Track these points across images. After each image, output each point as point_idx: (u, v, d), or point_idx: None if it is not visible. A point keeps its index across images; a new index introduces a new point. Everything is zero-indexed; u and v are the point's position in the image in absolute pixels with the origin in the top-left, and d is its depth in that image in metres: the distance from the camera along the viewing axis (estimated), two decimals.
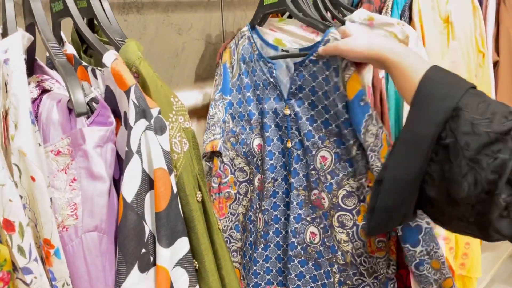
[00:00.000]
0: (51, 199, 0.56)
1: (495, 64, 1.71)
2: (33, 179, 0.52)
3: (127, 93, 0.59)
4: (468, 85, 0.61)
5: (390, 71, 0.69)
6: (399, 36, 0.88)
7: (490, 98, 0.61)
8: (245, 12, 1.39)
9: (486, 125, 0.56)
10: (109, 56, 0.62)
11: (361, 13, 0.91)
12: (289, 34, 0.94)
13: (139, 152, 0.58)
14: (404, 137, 0.63)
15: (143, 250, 0.58)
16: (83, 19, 0.71)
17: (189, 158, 0.64)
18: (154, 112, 0.60)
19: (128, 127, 0.59)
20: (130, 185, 0.57)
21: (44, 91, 0.69)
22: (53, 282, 0.55)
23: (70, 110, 0.61)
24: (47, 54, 0.80)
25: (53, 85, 0.70)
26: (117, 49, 0.66)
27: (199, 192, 0.65)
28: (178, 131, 0.64)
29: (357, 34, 0.74)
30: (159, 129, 0.60)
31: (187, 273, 0.61)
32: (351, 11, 0.95)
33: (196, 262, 0.63)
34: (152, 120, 0.59)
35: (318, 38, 0.87)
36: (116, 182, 0.65)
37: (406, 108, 0.94)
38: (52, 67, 0.76)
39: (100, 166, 0.59)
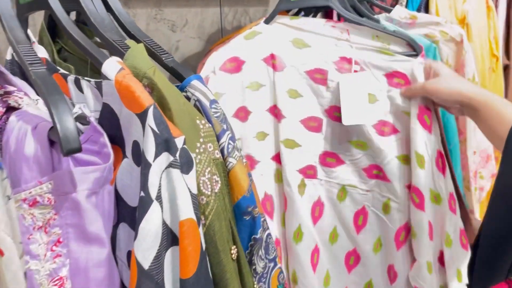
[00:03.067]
0: (25, 273, 0.38)
1: (505, 68, 1.63)
2: (0, 252, 0.35)
3: (142, 116, 0.42)
4: None
5: (477, 116, 0.67)
6: (451, 34, 0.76)
7: None
8: (246, 7, 1.22)
9: None
10: (112, 65, 0.44)
11: (401, 12, 0.77)
12: (313, 34, 0.79)
13: (159, 198, 0.43)
14: (499, 190, 0.59)
15: None
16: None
17: (222, 201, 0.49)
18: (179, 142, 0.43)
19: (144, 164, 0.42)
20: (147, 245, 0.42)
21: (10, 108, 0.51)
22: None
23: (51, 142, 0.44)
24: (8, 57, 0.61)
25: (21, 100, 0.52)
26: (120, 54, 0.48)
27: (234, 247, 0.49)
28: (207, 165, 0.47)
29: (446, 75, 0.71)
30: (186, 165, 0.44)
31: None
32: (387, 10, 0.81)
33: None
34: (177, 154, 0.43)
35: (347, 37, 0.77)
36: (113, 229, 0.48)
37: None
38: (18, 73, 0.57)
39: (97, 222, 0.42)
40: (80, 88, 0.53)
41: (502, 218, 0.57)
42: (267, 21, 0.81)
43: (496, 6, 1.56)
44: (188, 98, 0.51)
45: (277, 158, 0.82)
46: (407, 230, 0.80)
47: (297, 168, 0.81)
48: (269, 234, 0.55)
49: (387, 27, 0.84)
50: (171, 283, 0.45)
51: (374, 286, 0.85)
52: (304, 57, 0.79)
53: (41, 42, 0.67)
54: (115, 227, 0.50)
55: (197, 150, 0.47)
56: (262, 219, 0.54)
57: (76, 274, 0.41)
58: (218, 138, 0.50)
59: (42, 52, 0.60)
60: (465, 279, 0.76)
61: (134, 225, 0.45)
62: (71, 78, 0.54)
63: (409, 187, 0.78)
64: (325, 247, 0.85)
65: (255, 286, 0.51)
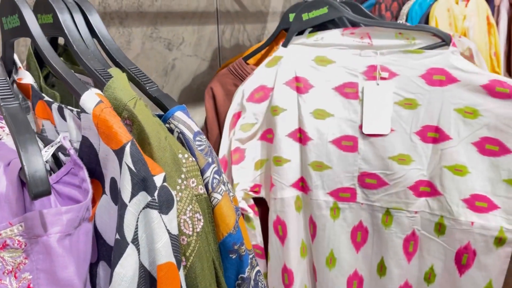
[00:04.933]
0: None
1: None
2: None
3: (119, 153, 0.40)
4: None
5: None
6: (459, 49, 0.72)
7: None
8: (243, 24, 1.20)
9: None
10: (90, 98, 0.42)
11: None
12: (334, 48, 0.77)
13: (135, 241, 0.40)
14: None
15: None
16: (47, 39, 0.51)
17: (204, 241, 0.46)
18: (158, 180, 0.41)
19: (120, 204, 0.40)
20: None
21: None
22: None
23: (22, 182, 0.41)
24: None
25: (2, 129, 0.50)
26: (100, 85, 0.46)
27: None
28: (189, 203, 0.45)
29: None
30: (165, 204, 0.42)
31: None
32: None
33: None
34: (156, 193, 0.41)
35: (368, 41, 0.75)
36: (92, 267, 0.46)
37: None
38: None
39: (69, 268, 0.39)
40: (63, 117, 0.51)
41: None
42: (284, 45, 0.79)
43: (497, 22, 1.54)
44: (171, 130, 0.49)
45: (298, 184, 0.79)
46: (472, 252, 0.69)
47: (327, 191, 0.77)
48: (258, 272, 0.52)
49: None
50: None
51: None
52: (330, 73, 0.76)
53: (28, 67, 0.65)
54: (96, 264, 0.48)
55: (178, 187, 0.45)
56: (250, 256, 0.51)
57: None
58: (202, 172, 0.48)
59: (28, 78, 0.58)
60: None
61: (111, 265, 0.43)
62: (55, 106, 0.52)
63: (467, 201, 0.69)
64: (371, 278, 0.78)
65: None
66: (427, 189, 0.71)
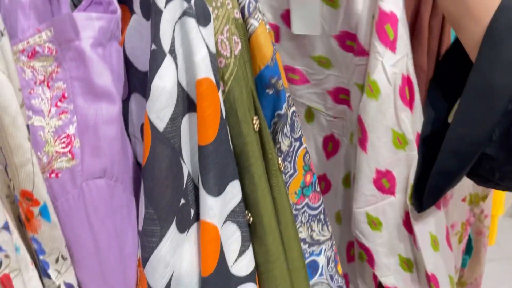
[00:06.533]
0: (27, 127, 0.34)
1: None
2: None
3: None
4: None
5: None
6: None
7: None
8: None
9: None
10: None
11: None
12: None
13: (173, 52, 0.38)
14: (474, 88, 0.48)
15: (182, 201, 0.40)
16: None
17: (243, 66, 0.43)
18: None
19: (154, 12, 0.37)
20: (161, 104, 0.37)
21: None
22: (41, 257, 0.34)
23: None
24: None
25: None
26: None
27: (256, 117, 0.44)
28: (226, 23, 0.42)
29: None
30: (203, 16, 0.39)
31: (240, 230, 0.44)
32: None
33: (249, 215, 0.44)
34: (192, 2, 0.37)
35: None
36: (124, 104, 0.44)
37: None
38: None
39: (105, 76, 0.37)
40: None
41: (476, 124, 0.48)
42: None
43: None
44: None
45: None
46: None
47: None
48: (294, 112, 0.50)
49: None
50: (189, 149, 0.41)
51: (343, 219, 0.72)
52: None
53: None
54: (126, 100, 0.46)
55: (213, 4, 0.41)
56: (287, 94, 0.49)
57: (84, 131, 0.37)
58: None
59: None
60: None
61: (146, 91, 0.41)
62: None
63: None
64: None
65: (279, 163, 0.47)
66: (347, 98, 0.64)
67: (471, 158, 0.50)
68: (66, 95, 0.37)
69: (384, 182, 0.58)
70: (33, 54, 0.37)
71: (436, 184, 0.54)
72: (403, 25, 0.54)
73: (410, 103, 0.57)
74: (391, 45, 0.55)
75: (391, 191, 0.58)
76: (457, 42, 0.53)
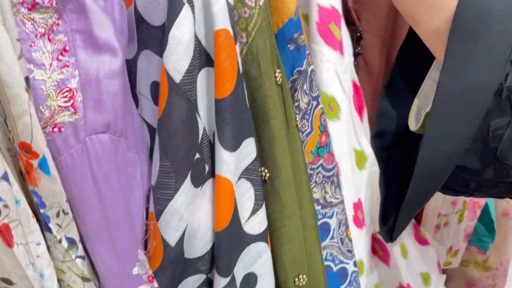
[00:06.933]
0: (27, 79, 0.33)
1: None
2: None
3: None
4: None
5: None
6: None
7: None
8: None
9: None
10: None
11: None
12: None
13: (191, 2, 0.37)
14: (448, 91, 0.41)
15: (197, 156, 0.40)
16: None
17: (267, 17, 0.42)
18: None
19: None
20: (179, 55, 0.37)
21: None
22: (41, 210, 0.34)
23: None
24: None
25: None
26: None
27: (279, 70, 0.43)
28: None
29: None
30: None
31: (254, 188, 0.43)
32: None
33: (265, 171, 0.44)
34: None
35: None
36: (129, 64, 0.43)
37: None
38: None
39: (106, 28, 0.36)
40: None
41: (455, 130, 0.42)
42: None
43: None
44: None
45: None
46: None
47: None
48: (313, 70, 0.48)
49: None
50: (205, 105, 0.40)
51: None
52: None
53: None
54: (134, 59, 0.45)
55: None
56: (307, 52, 0.47)
57: (86, 85, 0.36)
58: None
59: None
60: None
61: (159, 48, 0.40)
62: None
63: None
64: None
65: (297, 119, 0.46)
66: None
67: (446, 174, 0.45)
68: (67, 48, 0.36)
69: (359, 214, 0.55)
70: (33, 6, 0.36)
71: (409, 213, 0.51)
72: (343, 22, 0.49)
73: (359, 111, 0.52)
74: (340, 47, 0.49)
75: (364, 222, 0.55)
76: (411, 36, 0.47)
